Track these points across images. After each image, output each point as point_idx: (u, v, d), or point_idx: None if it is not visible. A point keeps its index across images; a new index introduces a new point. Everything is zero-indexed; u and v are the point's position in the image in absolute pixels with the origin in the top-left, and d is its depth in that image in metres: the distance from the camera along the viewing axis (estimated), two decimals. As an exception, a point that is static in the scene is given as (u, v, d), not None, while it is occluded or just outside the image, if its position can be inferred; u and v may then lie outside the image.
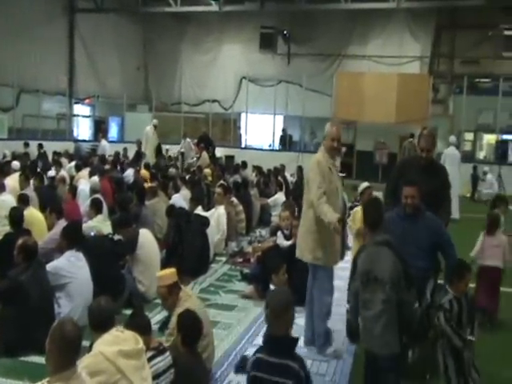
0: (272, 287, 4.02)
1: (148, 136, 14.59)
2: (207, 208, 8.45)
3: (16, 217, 5.67)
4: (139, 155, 14.48)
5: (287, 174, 13.40)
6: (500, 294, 5.37)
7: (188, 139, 16.31)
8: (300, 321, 5.09)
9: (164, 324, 4.56)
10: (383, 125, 17.15)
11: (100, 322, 3.08)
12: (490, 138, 19.54)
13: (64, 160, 12.81)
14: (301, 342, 4.32)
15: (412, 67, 20.31)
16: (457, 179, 11.02)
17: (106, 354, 2.89)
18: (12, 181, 8.58)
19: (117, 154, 14.17)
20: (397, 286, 3.17)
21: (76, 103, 21.59)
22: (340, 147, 4.48)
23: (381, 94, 17.12)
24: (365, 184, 5.67)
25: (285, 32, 21.46)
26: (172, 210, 7.24)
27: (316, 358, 4.42)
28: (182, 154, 16.32)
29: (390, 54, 20.53)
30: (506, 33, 17.09)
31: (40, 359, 3.92)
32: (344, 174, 16.44)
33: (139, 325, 3.36)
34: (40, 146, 14.91)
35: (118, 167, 12.00)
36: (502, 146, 17.33)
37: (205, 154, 15.79)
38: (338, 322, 5.24)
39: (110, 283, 5.18)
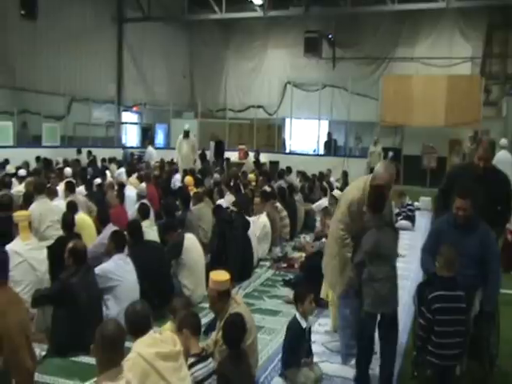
0: (297, 315, 4.05)
1: (181, 144, 14.04)
2: (253, 213, 8.45)
3: (68, 221, 5.87)
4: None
5: (332, 179, 13.28)
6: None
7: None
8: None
9: (209, 327, 4.58)
10: (432, 128, 16.75)
11: (136, 326, 3.11)
12: (545, 141, 18.73)
13: (113, 166, 13.17)
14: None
15: (463, 68, 19.75)
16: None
17: (144, 356, 2.92)
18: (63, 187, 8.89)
19: (162, 160, 14.42)
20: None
21: (124, 111, 22.16)
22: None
23: (429, 97, 16.73)
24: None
25: (330, 36, 21.35)
26: (219, 210, 7.34)
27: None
28: (228, 159, 16.46)
29: (439, 56, 20.06)
30: (562, 31, 16.38)
31: (89, 359, 4.04)
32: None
33: (192, 324, 3.39)
34: (89, 153, 15.38)
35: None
36: (558, 148, 16.58)
37: (250, 160, 15.87)
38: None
39: (160, 286, 5.31)
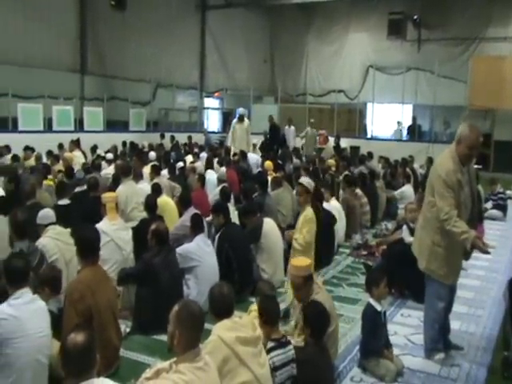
0: (371, 300, 3.98)
1: (235, 128, 13.41)
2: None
3: (150, 204, 6.06)
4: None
5: (416, 166, 12.76)
6: None
7: (309, 129, 16.14)
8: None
9: (285, 313, 4.55)
10: (527, 112, 15.64)
11: (222, 308, 3.08)
12: None
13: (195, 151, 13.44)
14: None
15: None
16: None
17: (224, 340, 2.90)
18: (149, 170, 9.20)
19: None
20: None
21: (206, 97, 22.60)
22: (476, 155, 3.89)
23: (524, 79, 15.61)
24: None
25: (415, 17, 20.43)
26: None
27: (446, 362, 4.13)
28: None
29: (536, 35, 18.64)
30: None
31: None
32: (480, 166, 15.33)
33: (271, 310, 3.33)
34: (172, 138, 15.82)
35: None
36: None
37: (330, 145, 15.62)
38: (472, 324, 4.89)
39: (244, 270, 5.37)
